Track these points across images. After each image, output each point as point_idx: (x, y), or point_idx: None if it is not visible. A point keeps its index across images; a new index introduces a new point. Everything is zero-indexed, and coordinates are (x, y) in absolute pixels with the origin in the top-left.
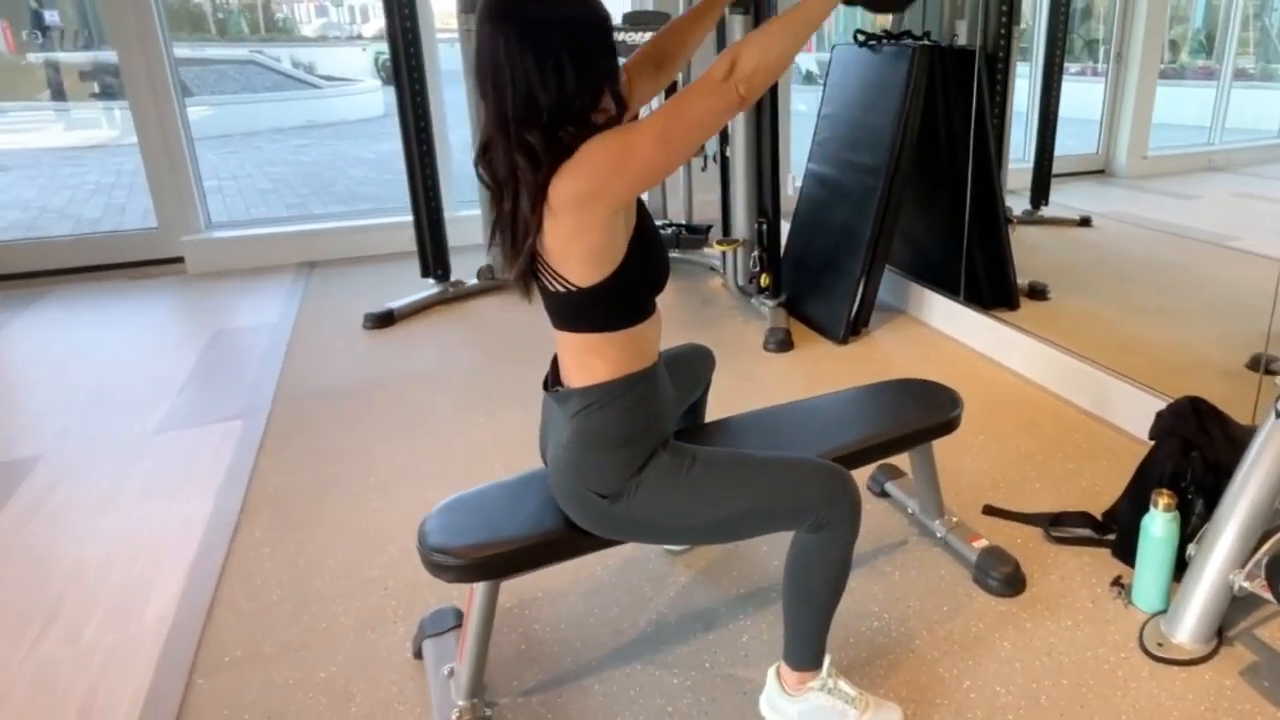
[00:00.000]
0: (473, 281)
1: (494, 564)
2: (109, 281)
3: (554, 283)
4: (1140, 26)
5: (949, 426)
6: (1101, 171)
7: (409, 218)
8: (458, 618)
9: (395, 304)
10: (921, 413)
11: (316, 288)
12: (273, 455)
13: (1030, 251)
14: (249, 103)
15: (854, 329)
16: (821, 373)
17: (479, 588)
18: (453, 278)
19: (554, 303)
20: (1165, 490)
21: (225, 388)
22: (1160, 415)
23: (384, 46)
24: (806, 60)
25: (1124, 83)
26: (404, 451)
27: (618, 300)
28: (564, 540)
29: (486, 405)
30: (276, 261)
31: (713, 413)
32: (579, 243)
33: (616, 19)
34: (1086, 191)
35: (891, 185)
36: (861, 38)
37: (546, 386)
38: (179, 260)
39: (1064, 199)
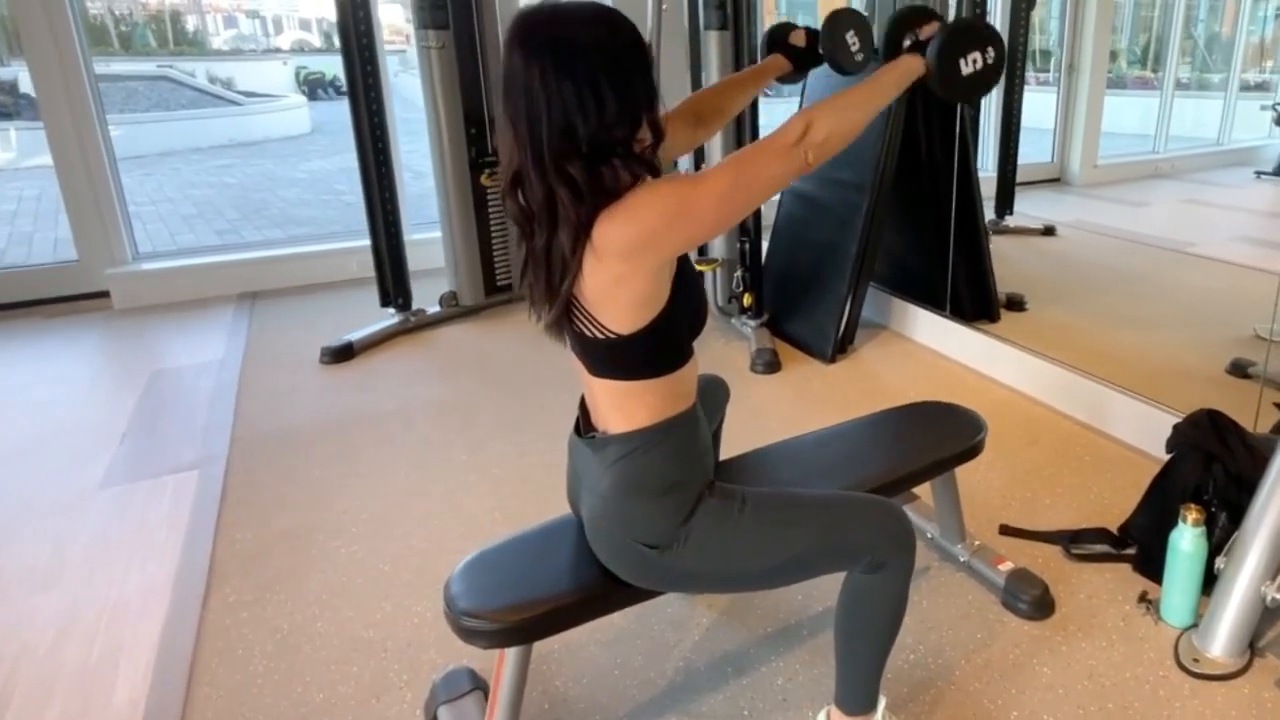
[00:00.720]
0: (435, 309)
1: (532, 626)
2: (23, 320)
3: (591, 329)
4: (1089, 38)
5: (974, 451)
6: (1057, 180)
7: (359, 242)
8: (474, 679)
9: (354, 336)
10: (947, 439)
11: (262, 321)
12: (237, 507)
13: (1001, 262)
14: (163, 121)
15: (841, 347)
16: (813, 393)
17: (511, 652)
18: (414, 306)
19: (591, 349)
20: (1194, 505)
21: (173, 434)
22: (1178, 429)
23: (306, 60)
24: None
25: (1075, 93)
26: (384, 495)
27: (660, 346)
28: (604, 594)
29: (467, 441)
30: (213, 293)
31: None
32: (622, 291)
33: None
34: (1044, 200)
35: (876, 201)
36: None
37: (579, 431)
38: (103, 295)
39: (1024, 208)
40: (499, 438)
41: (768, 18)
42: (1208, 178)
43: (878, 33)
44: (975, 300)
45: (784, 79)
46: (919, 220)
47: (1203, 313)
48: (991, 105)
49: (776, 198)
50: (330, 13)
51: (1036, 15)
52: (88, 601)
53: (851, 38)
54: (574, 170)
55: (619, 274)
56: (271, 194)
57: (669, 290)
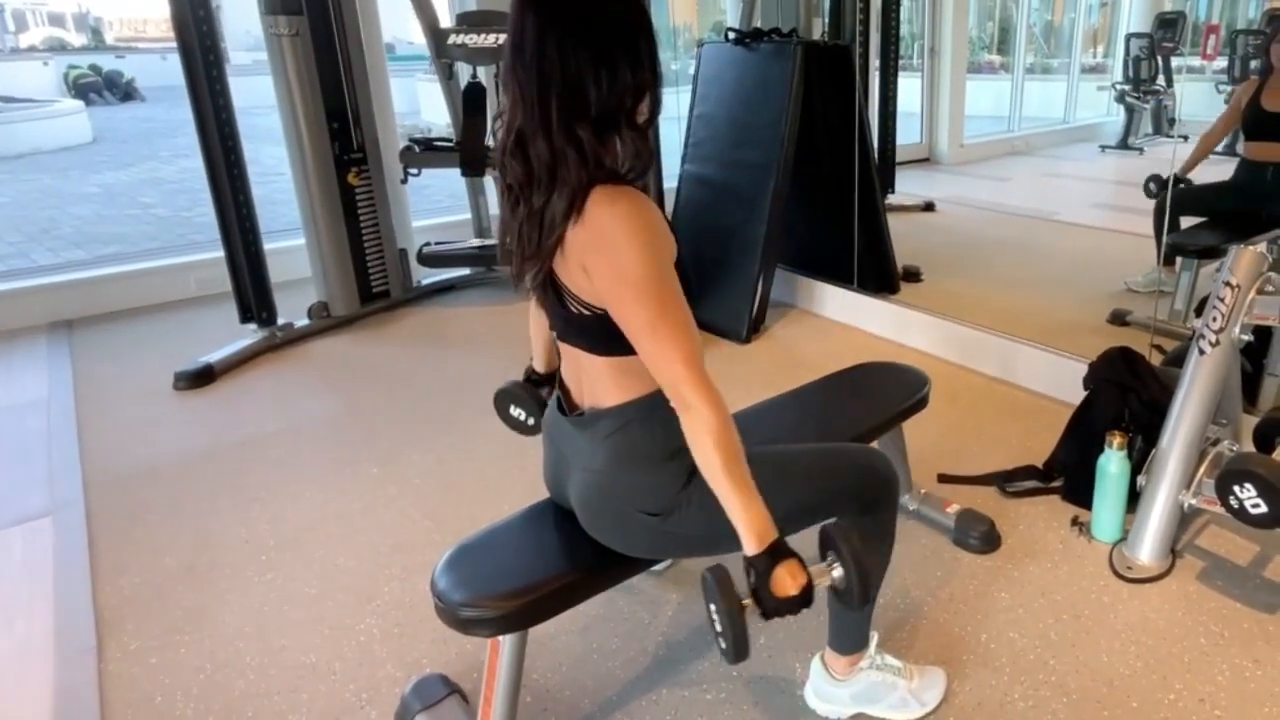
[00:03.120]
0: (304, 322)
1: (534, 608)
2: None
3: (578, 307)
4: (949, 24)
5: (922, 404)
6: (927, 160)
7: (197, 256)
8: (447, 684)
9: (212, 357)
10: (895, 394)
11: (86, 350)
12: (112, 552)
13: (892, 238)
14: None
15: (755, 327)
16: (735, 373)
17: (507, 640)
18: (280, 320)
19: (580, 327)
20: (1117, 431)
21: (7, 483)
22: (1093, 367)
23: (75, 59)
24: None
25: (939, 77)
26: (291, 519)
27: None
28: (602, 569)
29: (375, 454)
30: (16, 324)
31: None
32: (594, 279)
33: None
34: (919, 179)
35: (780, 179)
36: (734, 35)
37: (563, 411)
38: None
39: (903, 187)
40: (411, 447)
41: None
42: (1059, 153)
43: None
44: (877, 274)
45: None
46: (820, 200)
47: (1076, 272)
48: (872, 90)
49: (673, 184)
50: (92, 4)
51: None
52: None
53: (515, 410)
54: (583, 133)
55: (579, 268)
56: (60, 211)
57: None
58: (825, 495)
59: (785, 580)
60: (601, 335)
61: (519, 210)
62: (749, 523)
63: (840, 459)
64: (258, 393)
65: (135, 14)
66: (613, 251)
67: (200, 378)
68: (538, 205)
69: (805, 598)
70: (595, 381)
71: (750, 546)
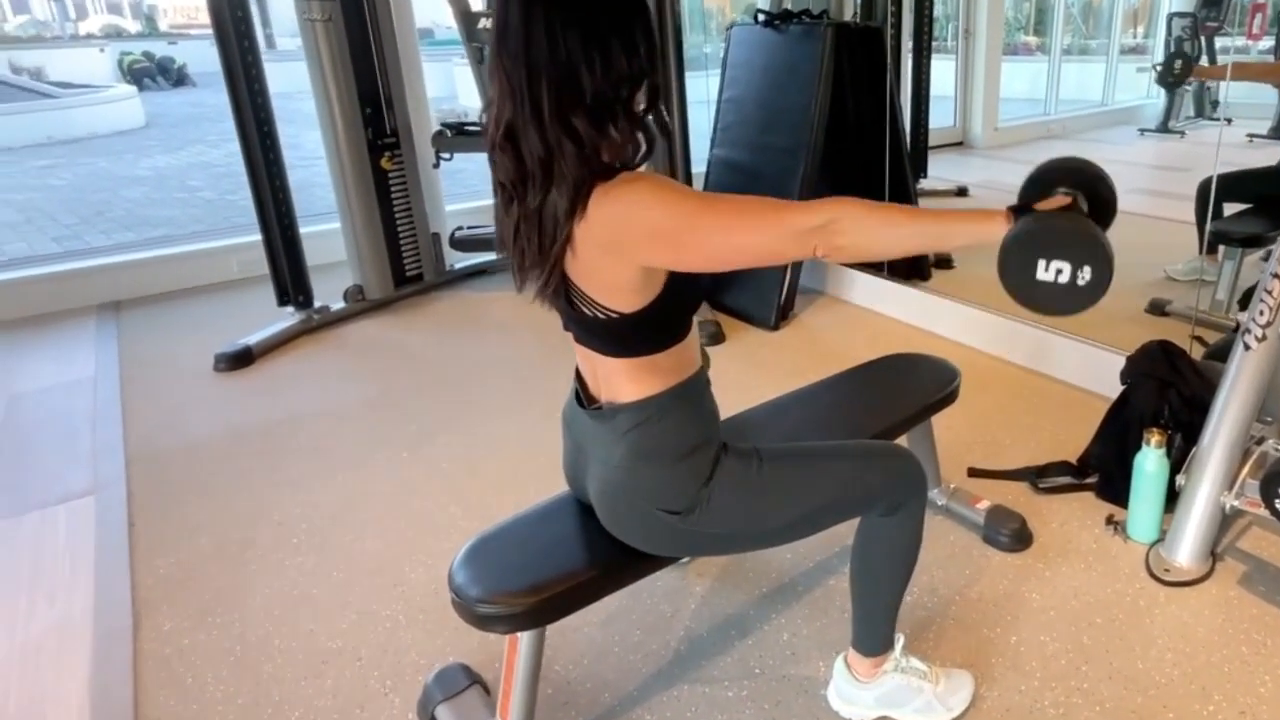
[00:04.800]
0: (340, 305)
1: (552, 605)
2: None
3: (590, 309)
4: (984, 4)
5: (952, 397)
6: (960, 144)
7: (238, 240)
8: (469, 674)
9: (251, 339)
10: (924, 387)
11: (133, 331)
12: (151, 531)
13: None
14: None
15: (784, 314)
16: (763, 361)
17: (525, 637)
18: (316, 303)
19: (593, 329)
20: (1155, 429)
21: (55, 461)
22: (1131, 360)
23: (129, 46)
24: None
25: (973, 59)
26: (323, 502)
27: (663, 323)
28: (621, 566)
29: (406, 438)
30: (67, 306)
31: None
32: (609, 275)
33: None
34: (952, 163)
35: (810, 163)
36: (763, 17)
37: (581, 404)
38: None
39: (935, 171)
40: (442, 432)
41: None
42: (1097, 136)
43: None
44: (907, 260)
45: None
46: (850, 184)
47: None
48: (905, 72)
49: (701, 169)
50: None
51: None
52: None
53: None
54: (578, 123)
55: (599, 258)
56: (112, 194)
57: (665, 275)
58: (851, 495)
59: (1051, 207)
60: (614, 337)
61: (513, 209)
62: (969, 227)
63: (867, 458)
64: (294, 375)
65: (188, 2)
66: (644, 208)
67: (239, 359)
68: (534, 204)
69: (1075, 207)
70: (611, 377)
71: (999, 228)
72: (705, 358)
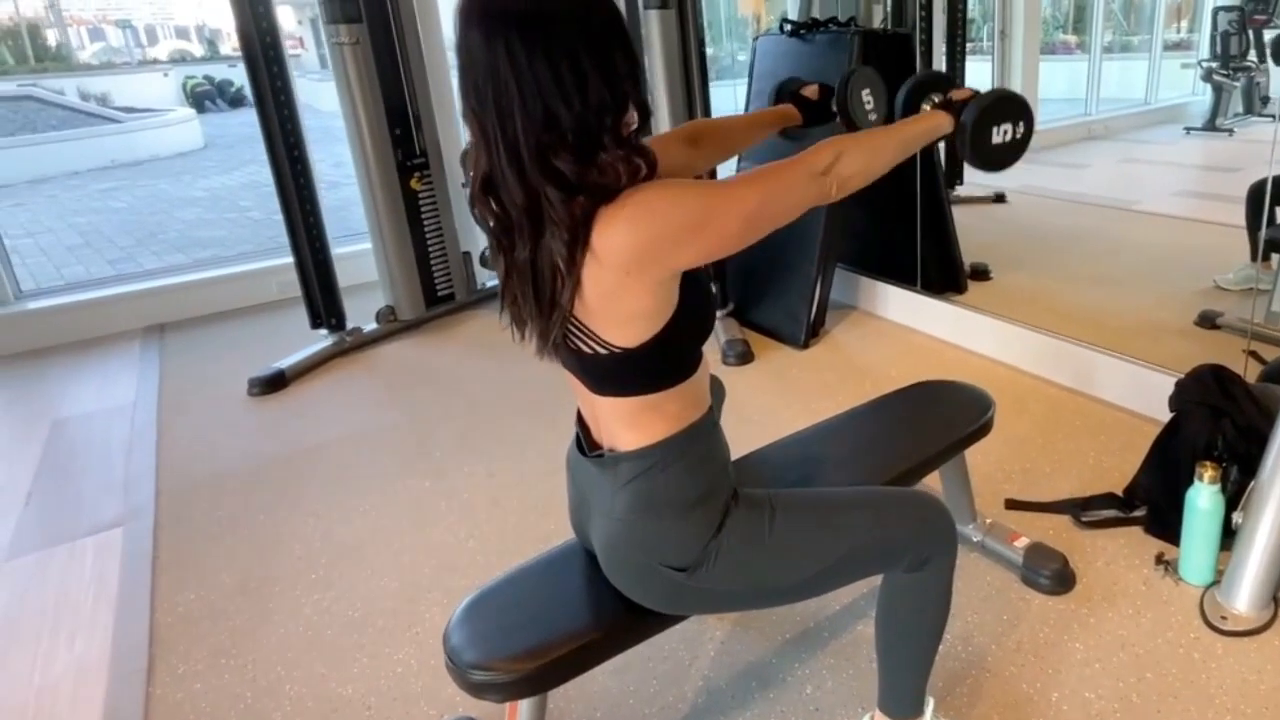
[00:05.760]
0: (373, 326)
1: (549, 672)
2: None
3: (589, 344)
4: (1020, 3)
5: (985, 429)
6: None
7: (277, 261)
8: None
9: (284, 363)
10: (957, 418)
11: (175, 355)
12: (174, 566)
13: (959, 232)
14: (32, 145)
15: (813, 331)
16: (792, 381)
17: (525, 704)
18: (349, 325)
19: (591, 367)
20: (1208, 462)
21: (88, 490)
22: (1181, 386)
23: (192, 70)
24: None
25: (1010, 59)
26: (343, 535)
27: (668, 358)
28: (626, 627)
29: (429, 466)
30: (114, 329)
31: None
32: (623, 303)
33: None
34: None
35: None
36: (789, 27)
37: (582, 450)
38: None
39: (971, 176)
40: (463, 460)
41: None
42: (1139, 136)
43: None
44: (942, 272)
45: (788, 132)
46: (881, 194)
47: (1159, 267)
48: None
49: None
50: (209, 17)
51: None
52: (7, 691)
53: (867, 95)
54: (561, 164)
55: (619, 284)
56: (167, 216)
57: (677, 298)
58: (873, 550)
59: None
60: (617, 376)
61: (500, 261)
62: (926, 127)
63: (891, 507)
64: (324, 400)
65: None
66: (667, 208)
67: (273, 383)
68: (523, 256)
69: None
70: (610, 422)
71: (946, 120)
72: (720, 391)
